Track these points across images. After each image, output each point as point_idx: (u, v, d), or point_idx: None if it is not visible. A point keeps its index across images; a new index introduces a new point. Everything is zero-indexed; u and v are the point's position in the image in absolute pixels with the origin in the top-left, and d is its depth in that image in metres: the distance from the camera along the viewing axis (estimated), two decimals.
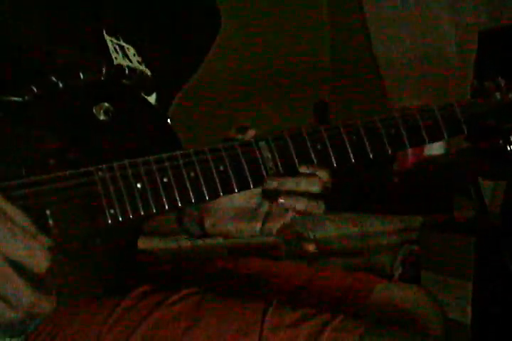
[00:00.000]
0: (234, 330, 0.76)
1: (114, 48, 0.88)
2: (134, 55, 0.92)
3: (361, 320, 0.79)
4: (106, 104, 0.77)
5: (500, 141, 1.00)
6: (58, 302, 0.73)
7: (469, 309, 1.79)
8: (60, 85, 0.77)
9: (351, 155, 0.83)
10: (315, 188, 0.80)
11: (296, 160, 0.81)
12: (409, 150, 2.31)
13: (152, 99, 0.91)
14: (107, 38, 0.89)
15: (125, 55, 0.89)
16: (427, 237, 1.98)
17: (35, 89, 0.75)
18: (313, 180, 0.80)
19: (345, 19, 3.07)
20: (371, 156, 0.84)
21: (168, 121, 0.85)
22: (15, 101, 0.73)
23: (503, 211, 1.95)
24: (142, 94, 0.88)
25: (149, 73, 0.92)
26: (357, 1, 2.91)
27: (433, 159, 2.25)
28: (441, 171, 2.11)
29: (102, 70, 0.83)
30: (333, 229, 2.19)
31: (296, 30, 2.99)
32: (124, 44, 0.91)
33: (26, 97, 0.74)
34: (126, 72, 0.88)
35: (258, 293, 0.97)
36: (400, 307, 0.96)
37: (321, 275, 1.02)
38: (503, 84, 0.98)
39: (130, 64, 0.89)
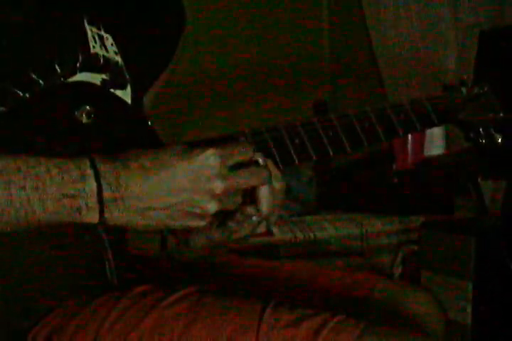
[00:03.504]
0: (232, 329, 0.76)
1: (93, 37, 0.89)
2: (112, 44, 0.92)
3: (361, 319, 0.78)
4: (87, 107, 0.78)
5: (471, 134, 1.04)
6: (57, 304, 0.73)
7: (469, 309, 1.79)
8: (42, 83, 0.78)
9: (329, 148, 0.85)
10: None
11: (277, 155, 0.82)
12: (409, 150, 2.31)
13: (127, 93, 0.91)
14: (87, 26, 0.89)
15: (102, 45, 0.90)
16: (427, 237, 1.98)
17: (20, 93, 0.76)
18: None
19: (345, 19, 3.06)
20: (348, 149, 0.87)
21: (149, 123, 0.88)
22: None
23: (503, 211, 1.95)
24: (117, 89, 0.88)
25: (124, 64, 0.92)
26: (357, 1, 2.91)
27: (433, 159, 2.25)
28: (441, 171, 2.11)
29: (78, 59, 0.84)
30: (332, 229, 2.19)
31: (296, 30, 2.99)
32: (103, 34, 0.91)
33: (11, 104, 0.75)
34: (101, 61, 0.88)
35: (258, 292, 0.97)
36: (400, 307, 0.96)
37: (320, 275, 1.02)
38: (468, 80, 1.03)
39: (106, 54, 0.90)
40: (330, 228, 2.19)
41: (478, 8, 2.49)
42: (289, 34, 2.97)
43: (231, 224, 0.81)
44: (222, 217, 0.81)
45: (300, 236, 2.13)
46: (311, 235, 2.15)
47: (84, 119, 0.78)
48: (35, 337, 0.77)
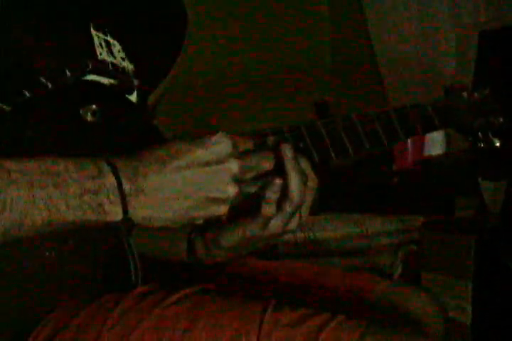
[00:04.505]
0: (233, 330, 0.76)
1: (100, 44, 0.89)
2: (119, 51, 0.92)
3: (361, 320, 0.79)
4: (93, 106, 0.78)
5: (470, 138, 1.05)
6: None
7: (469, 309, 1.79)
8: (49, 86, 0.78)
9: (331, 151, 0.86)
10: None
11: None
12: (409, 150, 2.32)
13: (133, 97, 0.91)
14: (94, 32, 0.89)
15: (109, 51, 0.90)
16: (427, 237, 1.98)
17: (27, 94, 0.76)
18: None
19: (345, 19, 3.06)
20: (350, 152, 0.87)
21: (154, 122, 0.88)
22: (3, 108, 0.74)
23: (503, 211, 1.95)
24: (125, 93, 0.89)
25: (131, 69, 0.93)
26: (357, 1, 2.91)
27: (433, 159, 2.25)
28: (441, 171, 2.11)
29: (87, 65, 0.84)
30: (333, 229, 2.19)
31: (297, 30, 2.99)
32: (110, 39, 0.91)
33: (16, 103, 0.75)
34: (110, 67, 0.88)
35: (258, 293, 0.97)
36: (401, 308, 0.96)
37: (321, 275, 1.02)
38: (469, 85, 1.04)
39: (113, 60, 0.90)
40: (330, 228, 2.19)
41: (478, 8, 2.49)
42: (289, 34, 2.97)
43: (265, 209, 0.80)
44: (254, 207, 0.81)
45: (300, 236, 2.13)
46: (311, 235, 2.15)
47: (90, 117, 0.78)
48: (37, 337, 0.78)
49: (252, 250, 0.89)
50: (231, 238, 0.85)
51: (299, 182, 0.78)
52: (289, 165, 0.78)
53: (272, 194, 0.78)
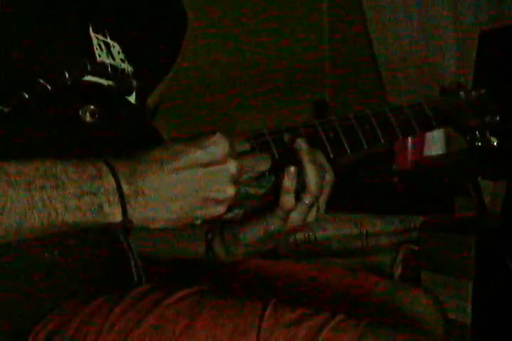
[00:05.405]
0: (232, 330, 0.76)
1: (99, 45, 0.89)
2: (119, 52, 0.92)
3: (361, 320, 0.79)
4: (92, 107, 0.78)
5: (468, 137, 1.06)
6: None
7: (469, 309, 1.79)
8: (49, 87, 0.78)
9: (329, 150, 0.86)
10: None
11: (277, 157, 0.83)
12: (409, 150, 2.31)
13: (132, 98, 0.92)
14: (93, 34, 0.89)
15: (109, 53, 0.90)
16: (427, 237, 1.98)
17: (26, 95, 0.76)
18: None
19: (345, 19, 3.07)
20: (348, 151, 0.88)
21: (152, 122, 0.88)
22: (3, 110, 0.74)
23: (503, 211, 1.95)
24: (124, 95, 0.89)
25: (131, 70, 0.93)
26: (357, 1, 2.91)
27: (433, 159, 2.25)
28: (441, 171, 2.11)
29: (86, 67, 0.84)
30: (332, 229, 2.19)
31: (296, 30, 3.00)
32: (110, 41, 0.91)
33: (15, 105, 0.75)
34: (109, 69, 0.88)
35: (258, 292, 0.97)
36: (401, 307, 0.96)
37: (320, 275, 1.02)
38: (466, 81, 1.04)
39: (113, 62, 0.90)
40: (330, 228, 2.19)
41: (478, 8, 2.49)
42: (289, 34, 2.97)
43: (283, 199, 0.80)
44: (271, 203, 0.82)
45: (300, 236, 2.13)
46: (311, 235, 2.15)
47: (89, 118, 0.78)
48: (36, 337, 0.78)
49: (271, 246, 0.90)
50: (252, 234, 0.87)
51: (316, 174, 0.79)
52: (306, 158, 0.79)
53: (290, 183, 0.79)
